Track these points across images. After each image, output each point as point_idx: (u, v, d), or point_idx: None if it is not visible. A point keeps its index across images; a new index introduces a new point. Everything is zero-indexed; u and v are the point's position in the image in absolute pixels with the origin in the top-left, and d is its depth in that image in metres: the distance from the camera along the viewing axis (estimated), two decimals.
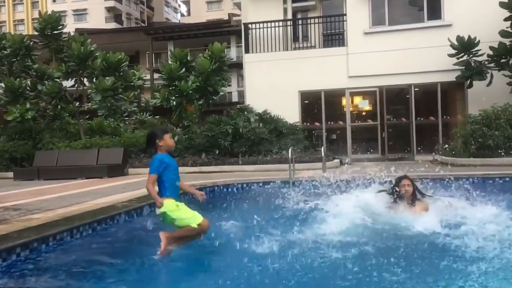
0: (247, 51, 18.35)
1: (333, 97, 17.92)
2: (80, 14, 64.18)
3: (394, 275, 3.54)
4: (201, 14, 64.84)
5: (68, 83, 18.09)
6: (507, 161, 12.20)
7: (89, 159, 14.64)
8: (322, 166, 10.92)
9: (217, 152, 15.41)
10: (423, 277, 3.54)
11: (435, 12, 16.62)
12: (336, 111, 17.99)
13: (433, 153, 15.08)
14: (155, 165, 4.29)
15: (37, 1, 66.69)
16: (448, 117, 16.81)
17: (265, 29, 18.08)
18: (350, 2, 17.24)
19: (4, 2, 68.99)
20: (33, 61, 17.91)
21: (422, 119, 17.04)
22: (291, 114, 16.94)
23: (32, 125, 17.46)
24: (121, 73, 17.64)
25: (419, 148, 16.61)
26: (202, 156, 15.14)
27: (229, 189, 9.42)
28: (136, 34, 35.24)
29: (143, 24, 64.86)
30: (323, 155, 10.97)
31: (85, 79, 18.06)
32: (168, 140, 4.43)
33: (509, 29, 14.22)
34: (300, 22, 19.77)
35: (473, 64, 14.74)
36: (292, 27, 19.18)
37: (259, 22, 18.12)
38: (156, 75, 30.02)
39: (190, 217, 4.32)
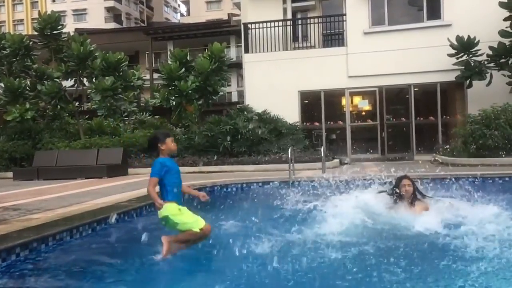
0: (246, 51, 18.35)
1: (333, 97, 17.92)
2: (79, 14, 64.17)
3: (394, 275, 3.54)
4: (201, 14, 64.83)
5: (67, 83, 18.10)
6: (506, 161, 12.21)
7: (88, 159, 14.64)
8: (322, 166, 10.91)
9: (220, 150, 15.38)
10: (423, 277, 3.54)
11: (434, 12, 16.63)
12: (336, 111, 17.99)
13: (433, 153, 15.09)
14: (157, 168, 4.29)
15: (37, 1, 66.65)
16: (448, 117, 16.81)
17: (264, 29, 18.08)
18: (349, 2, 17.24)
19: (3, 2, 68.94)
20: (33, 61, 17.91)
21: (421, 119, 17.05)
22: (290, 114, 16.95)
23: (31, 125, 17.45)
24: (121, 73, 17.64)
25: (419, 148, 16.62)
26: (203, 159, 15.13)
27: (229, 189, 9.41)
28: (135, 34, 35.24)
29: (142, 24, 64.87)
30: (322, 155, 10.96)
31: (85, 79, 18.06)
32: (170, 144, 4.42)
33: (508, 29, 14.22)
34: (299, 22, 19.76)
35: (472, 64, 14.75)
36: (291, 27, 19.18)
37: (258, 22, 18.12)
38: (155, 75, 30.02)
39: (193, 222, 4.31)
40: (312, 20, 18.58)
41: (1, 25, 65.42)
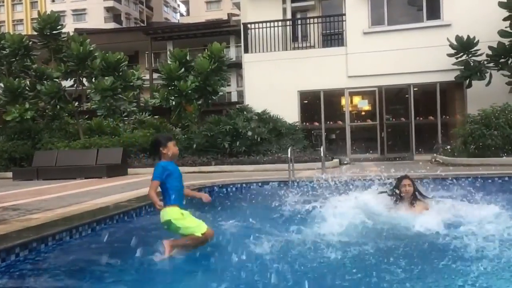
0: (246, 51, 18.35)
1: (332, 97, 17.93)
2: (79, 14, 64.15)
3: (394, 275, 3.54)
4: (200, 14, 64.86)
5: (67, 83, 18.10)
6: (506, 161, 12.21)
7: (88, 159, 14.63)
8: (322, 166, 10.90)
9: (220, 150, 15.38)
10: (423, 277, 3.54)
11: (434, 12, 16.64)
12: (336, 111, 17.99)
13: (433, 153, 15.10)
14: (158, 172, 4.28)
15: (36, 1, 66.62)
16: (447, 117, 16.82)
17: (264, 29, 18.08)
18: (349, 2, 17.25)
19: (3, 2, 68.92)
20: (32, 61, 17.91)
21: (421, 119, 17.06)
22: (290, 114, 16.96)
23: (31, 125, 17.45)
24: (120, 73, 17.64)
25: (418, 148, 16.63)
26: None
27: (228, 189, 9.40)
28: (135, 34, 35.24)
29: (142, 24, 64.86)
30: (322, 155, 10.96)
31: (84, 79, 18.06)
32: (172, 148, 4.41)
33: (508, 29, 14.23)
34: (299, 22, 19.77)
35: (472, 64, 14.76)
36: (291, 27, 19.19)
37: (258, 22, 18.12)
38: (155, 75, 30.04)
39: (195, 226, 4.30)
40: (311, 20, 18.59)
41: (0, 25, 65.39)
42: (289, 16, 19.11)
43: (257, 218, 5.80)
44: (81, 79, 17.86)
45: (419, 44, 16.20)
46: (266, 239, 4.57)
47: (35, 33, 17.78)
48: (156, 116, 23.02)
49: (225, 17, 39.33)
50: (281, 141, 15.65)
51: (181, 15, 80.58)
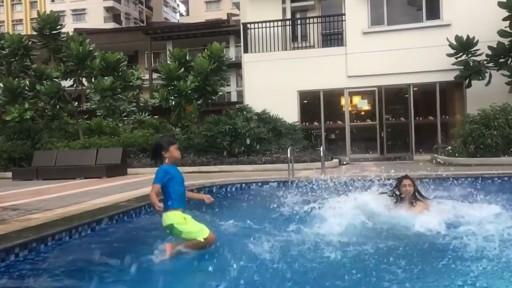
0: (246, 51, 18.35)
1: (332, 96, 17.93)
2: (78, 14, 64.11)
3: (394, 275, 3.54)
4: (200, 14, 64.84)
5: (66, 83, 18.10)
6: (505, 161, 12.22)
7: (87, 159, 14.63)
8: (321, 166, 10.91)
9: (221, 149, 15.38)
10: (423, 277, 3.54)
11: (433, 12, 16.64)
12: (335, 110, 17.99)
13: (432, 153, 15.10)
14: (160, 176, 4.28)
15: (36, 1, 66.57)
16: (447, 117, 16.82)
17: (264, 29, 18.07)
18: (349, 2, 17.25)
19: (2, 2, 68.87)
20: (32, 61, 17.90)
21: (421, 118, 17.06)
22: (290, 113, 16.95)
23: (30, 125, 17.45)
24: (120, 73, 17.63)
25: (418, 148, 16.63)
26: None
27: (228, 189, 9.40)
28: (134, 34, 35.24)
29: (141, 24, 64.82)
30: (322, 155, 10.96)
31: (84, 79, 18.06)
32: (174, 152, 4.42)
33: (507, 29, 14.22)
34: (299, 22, 19.76)
35: (471, 64, 14.76)
36: (291, 27, 19.18)
37: (258, 22, 18.11)
38: (155, 75, 30.00)
39: (197, 231, 4.30)
40: (311, 20, 18.58)
41: (0, 25, 65.37)
42: (288, 16, 19.11)
43: (257, 218, 5.80)
44: (80, 79, 17.85)
45: (418, 44, 16.20)
46: (265, 239, 4.57)
47: (35, 33, 17.78)
48: (156, 116, 23.03)
49: (224, 17, 39.37)
50: (281, 141, 15.65)
51: (181, 15, 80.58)
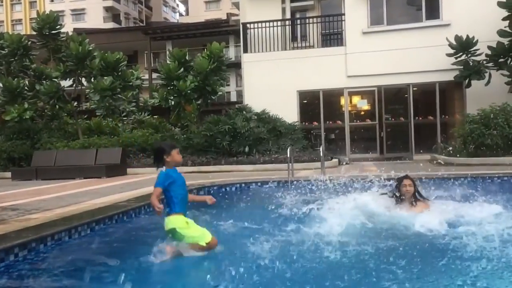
0: (245, 50, 18.34)
1: (332, 96, 17.92)
2: (78, 13, 64.06)
3: (394, 275, 3.53)
4: (200, 13, 64.81)
5: (66, 83, 18.08)
6: (505, 160, 12.22)
7: (87, 159, 14.62)
8: (321, 166, 10.90)
9: (221, 149, 15.37)
10: (423, 277, 3.53)
11: (433, 11, 16.63)
12: (335, 110, 17.99)
13: (432, 153, 15.10)
14: (161, 179, 4.29)
15: (35, 1, 66.53)
16: (447, 117, 16.82)
17: (263, 29, 18.07)
18: (348, 1, 17.24)
19: (2, 1, 68.82)
20: (31, 61, 17.89)
21: (420, 118, 17.06)
22: (289, 113, 16.95)
23: (30, 125, 17.44)
24: (120, 73, 17.62)
25: (417, 148, 16.63)
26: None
27: (227, 189, 9.39)
28: (134, 34, 35.23)
29: (141, 24, 64.80)
30: (321, 154, 10.95)
31: (83, 79, 18.05)
32: (175, 156, 4.42)
33: (507, 29, 14.22)
34: (298, 21, 19.76)
35: (471, 64, 14.76)
36: (290, 26, 19.18)
37: (257, 22, 18.11)
38: (154, 75, 29.97)
39: (200, 235, 4.30)
40: (311, 20, 18.57)
41: None
42: (288, 15, 19.11)
43: (256, 218, 5.79)
44: (80, 79, 17.84)
45: (418, 44, 16.20)
46: (265, 239, 4.57)
47: (34, 33, 17.78)
48: (155, 116, 23.02)
49: (224, 17, 39.36)
50: (280, 141, 15.65)
51: (180, 15, 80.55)
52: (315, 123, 17.79)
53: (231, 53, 31.29)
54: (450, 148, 13.81)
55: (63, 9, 61.99)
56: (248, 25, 18.33)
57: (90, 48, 16.98)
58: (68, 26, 37.93)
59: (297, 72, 17.34)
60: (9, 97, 17.02)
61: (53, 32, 17.09)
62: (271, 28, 18.02)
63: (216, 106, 23.67)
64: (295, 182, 8.88)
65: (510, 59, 14.44)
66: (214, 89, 16.62)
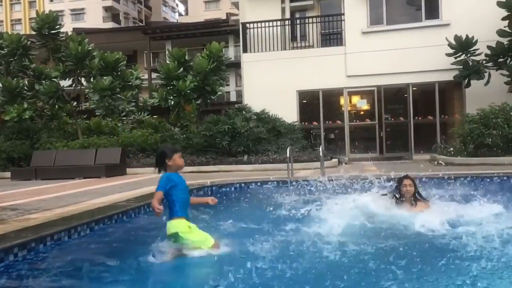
0: (245, 50, 18.34)
1: (331, 96, 17.93)
2: (77, 13, 64.04)
3: (393, 275, 3.53)
4: (199, 13, 64.78)
5: (65, 83, 18.07)
6: (504, 160, 12.22)
7: (87, 159, 14.61)
8: (320, 166, 10.90)
9: (221, 149, 15.37)
10: (423, 277, 3.53)
11: (433, 11, 16.64)
12: (334, 110, 17.99)
13: (431, 153, 15.10)
14: (162, 183, 4.27)
15: (35, 1, 66.51)
16: (446, 117, 16.83)
17: (263, 29, 18.07)
18: (348, 1, 17.25)
19: (1, 1, 68.80)
20: (31, 60, 17.87)
21: (420, 118, 17.08)
22: (289, 113, 16.96)
23: (29, 125, 17.43)
24: (119, 73, 17.61)
25: (417, 148, 16.63)
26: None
27: (227, 189, 9.39)
28: (133, 34, 35.20)
29: (140, 24, 64.80)
30: (321, 154, 10.95)
31: (83, 79, 18.03)
32: (177, 160, 4.40)
33: (506, 29, 14.23)
34: (298, 21, 19.77)
35: (471, 64, 14.77)
36: (290, 26, 19.19)
37: (257, 22, 18.11)
38: (154, 75, 29.94)
39: (202, 240, 4.29)
40: (310, 20, 18.59)
41: None
42: (287, 15, 19.11)
43: (256, 218, 5.79)
44: (79, 78, 17.83)
45: (418, 43, 16.21)
46: (264, 239, 4.56)
47: (34, 32, 17.76)
48: (155, 116, 23.00)
49: (223, 17, 39.32)
50: (280, 141, 15.65)
51: (180, 14, 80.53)
52: (315, 123, 17.79)
53: (230, 53, 31.28)
54: (452, 149, 13.79)
55: (63, 8, 61.95)
56: (247, 25, 18.33)
57: (90, 48, 16.96)
58: (68, 26, 37.86)
59: (296, 72, 17.34)
60: (8, 97, 17.01)
61: (53, 32, 17.08)
62: (271, 28, 18.02)
63: (215, 106, 23.67)
64: (294, 182, 8.88)
65: (509, 59, 14.45)
66: (213, 89, 16.62)
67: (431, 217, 5.20)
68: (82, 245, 4.98)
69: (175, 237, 4.28)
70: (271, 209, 6.43)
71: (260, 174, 11.80)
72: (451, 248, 4.24)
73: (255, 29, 18.18)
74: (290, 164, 10.35)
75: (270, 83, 17.35)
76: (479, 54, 14.65)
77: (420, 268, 3.71)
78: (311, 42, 18.37)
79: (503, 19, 14.30)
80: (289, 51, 18.24)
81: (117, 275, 3.99)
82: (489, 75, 14.62)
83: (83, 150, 15.48)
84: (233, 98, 33.13)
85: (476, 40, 14.55)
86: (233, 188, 9.42)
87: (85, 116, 21.15)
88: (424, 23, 16.63)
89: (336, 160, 15.09)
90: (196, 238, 4.29)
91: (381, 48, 16.52)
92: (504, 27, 14.30)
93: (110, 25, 56.75)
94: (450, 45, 14.85)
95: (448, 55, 15.01)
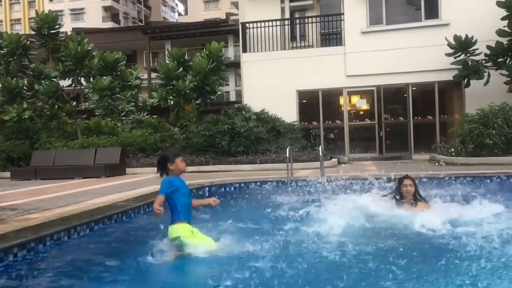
0: (244, 50, 18.34)
1: (331, 96, 17.93)
2: (77, 13, 64.02)
3: (393, 275, 3.53)
4: (199, 13, 64.80)
5: (65, 83, 18.05)
6: (504, 160, 12.23)
7: (86, 159, 14.60)
8: (320, 166, 10.89)
9: (220, 148, 15.36)
10: (423, 277, 3.53)
11: (432, 11, 16.65)
12: (334, 110, 17.99)
13: (431, 153, 15.10)
14: (164, 187, 4.29)
15: (34, 1, 66.46)
16: (446, 116, 16.83)
17: (262, 29, 18.06)
18: (347, 1, 17.25)
19: (0, 1, 68.75)
20: (30, 60, 17.85)
21: (419, 118, 17.07)
22: (288, 113, 16.95)
23: (29, 124, 17.41)
24: (119, 73, 17.59)
25: (417, 148, 16.63)
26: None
27: (227, 189, 9.39)
28: (133, 34, 35.18)
29: (140, 24, 64.79)
30: (320, 154, 10.95)
31: (82, 79, 18.00)
32: (179, 164, 4.42)
33: (506, 28, 14.23)
34: (297, 21, 19.76)
35: (470, 63, 14.77)
36: (289, 26, 19.18)
37: (256, 22, 18.10)
38: (153, 75, 29.96)
39: (204, 245, 4.30)
40: (310, 20, 18.58)
41: None
42: (287, 15, 19.10)
43: (256, 217, 5.79)
44: (79, 78, 17.81)
45: (417, 43, 16.21)
46: (264, 239, 4.56)
47: (33, 32, 17.73)
48: (155, 116, 22.98)
49: (223, 17, 39.30)
50: (280, 141, 15.65)
51: (179, 14, 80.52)
52: (314, 122, 17.79)
53: (230, 52, 31.26)
54: (452, 150, 13.79)
55: (62, 8, 61.94)
56: (247, 25, 18.32)
57: (89, 48, 16.94)
58: (67, 25, 37.87)
59: (296, 71, 17.34)
60: (8, 97, 16.99)
61: (52, 31, 17.06)
62: (270, 28, 18.02)
63: (215, 106, 23.66)
64: (294, 182, 8.88)
65: (509, 58, 14.45)
66: (213, 89, 16.61)
67: (431, 217, 5.20)
68: (81, 245, 4.98)
69: (177, 241, 4.29)
70: (270, 209, 6.43)
71: (260, 174, 11.80)
72: (451, 248, 4.24)
73: (255, 29, 18.18)
74: (289, 164, 10.34)
75: (270, 83, 17.35)
76: (478, 54, 14.65)
77: (420, 268, 3.71)
78: (310, 42, 18.38)
79: (503, 19, 14.30)
80: (288, 51, 18.23)
81: (116, 275, 3.99)
82: (489, 75, 14.62)
83: (83, 150, 15.48)
84: (232, 98, 33.12)
85: (476, 40, 14.55)
86: (232, 188, 9.42)
87: (84, 116, 21.13)
88: (424, 23, 16.63)
89: (336, 160, 15.09)
90: (198, 242, 4.29)
91: (381, 48, 16.52)
92: (504, 27, 14.30)
93: (109, 25, 56.76)
94: (449, 45, 14.85)
95: (448, 55, 15.01)
